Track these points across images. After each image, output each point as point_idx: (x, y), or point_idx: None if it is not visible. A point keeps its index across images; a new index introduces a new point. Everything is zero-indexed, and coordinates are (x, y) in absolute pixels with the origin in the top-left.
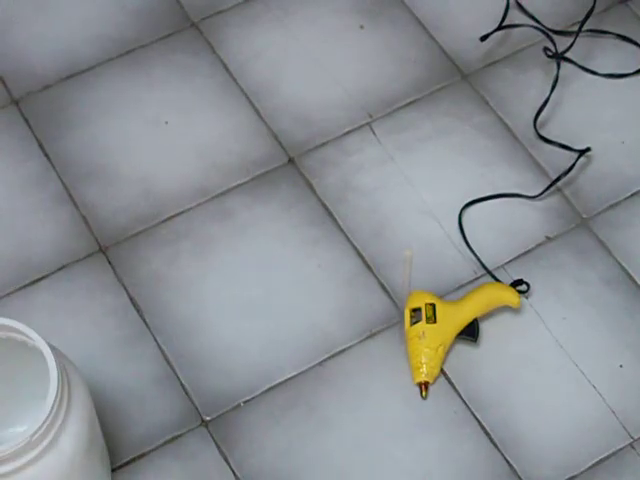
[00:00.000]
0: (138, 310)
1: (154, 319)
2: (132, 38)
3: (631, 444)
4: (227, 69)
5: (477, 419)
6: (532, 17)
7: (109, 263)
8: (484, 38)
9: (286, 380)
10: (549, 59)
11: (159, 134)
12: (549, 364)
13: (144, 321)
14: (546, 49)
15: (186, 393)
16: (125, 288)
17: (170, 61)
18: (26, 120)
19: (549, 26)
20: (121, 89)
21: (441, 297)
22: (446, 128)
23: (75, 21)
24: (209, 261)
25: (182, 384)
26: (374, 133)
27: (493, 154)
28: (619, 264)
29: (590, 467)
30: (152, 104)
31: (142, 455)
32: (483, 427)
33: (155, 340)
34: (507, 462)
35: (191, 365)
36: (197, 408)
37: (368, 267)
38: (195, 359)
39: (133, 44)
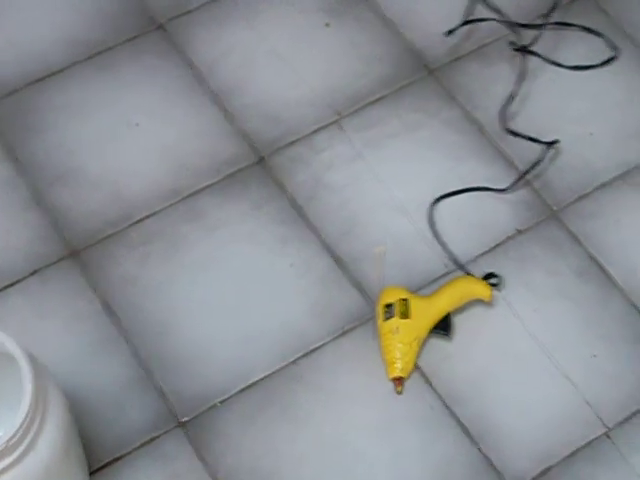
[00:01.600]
0: (111, 313)
1: (127, 322)
2: (99, 41)
3: (606, 433)
4: (195, 69)
5: (453, 413)
6: (497, 11)
7: (81, 267)
8: (449, 33)
9: (261, 379)
10: (515, 53)
11: (129, 136)
12: (523, 356)
13: (117, 324)
14: (512, 43)
15: (162, 395)
16: (97, 291)
17: (138, 63)
18: None
19: (514, 20)
20: (89, 92)
21: (414, 292)
22: (414, 124)
23: (41, 25)
24: (181, 262)
25: (157, 386)
26: (343, 130)
27: (462, 148)
28: (590, 255)
29: (566, 457)
30: (121, 106)
31: (119, 458)
32: (459, 421)
33: (129, 343)
34: (484, 455)
35: (166, 367)
36: (173, 409)
37: (340, 264)
38: (170, 361)
39: (100, 47)
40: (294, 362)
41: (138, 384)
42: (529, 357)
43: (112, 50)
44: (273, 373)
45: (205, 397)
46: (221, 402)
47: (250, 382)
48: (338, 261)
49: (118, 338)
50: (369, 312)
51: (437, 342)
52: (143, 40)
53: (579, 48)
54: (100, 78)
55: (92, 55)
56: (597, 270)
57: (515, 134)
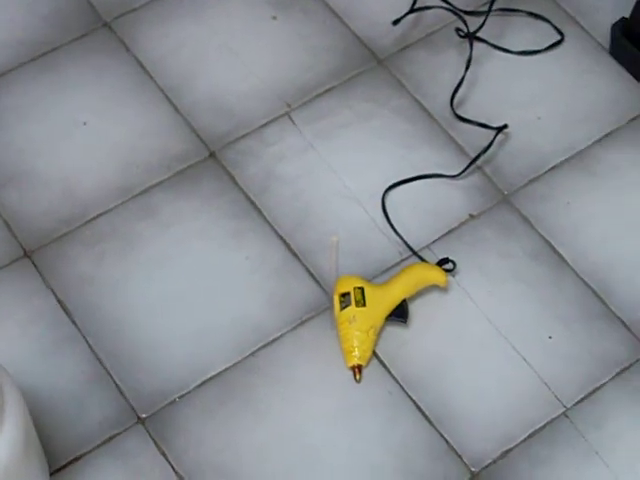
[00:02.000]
0: (67, 312)
1: (83, 320)
2: (44, 41)
3: (564, 413)
4: (143, 67)
5: (412, 399)
6: None
7: (35, 267)
8: (396, 22)
9: (219, 373)
10: (462, 39)
11: (78, 135)
12: (479, 340)
13: (73, 323)
14: (458, 30)
15: (120, 392)
16: (52, 291)
17: (84, 62)
18: None
19: (460, 7)
20: (36, 92)
21: (369, 280)
22: (365, 113)
23: None
24: (135, 259)
25: (116, 383)
26: (293, 122)
27: (412, 136)
28: (542, 237)
29: (526, 438)
30: (69, 106)
31: (80, 457)
32: (418, 406)
33: (86, 341)
34: (444, 439)
35: (124, 364)
36: (132, 406)
37: (295, 256)
38: (127, 358)
39: (45, 47)
40: (252, 354)
41: (97, 382)
42: (486, 340)
43: (58, 50)
44: (231, 366)
45: (164, 393)
46: (180, 397)
47: (208, 376)
48: (293, 252)
49: (75, 337)
50: (326, 301)
51: (394, 329)
52: (89, 39)
53: (525, 33)
54: (46, 78)
55: (37, 56)
56: (549, 252)
57: (464, 120)
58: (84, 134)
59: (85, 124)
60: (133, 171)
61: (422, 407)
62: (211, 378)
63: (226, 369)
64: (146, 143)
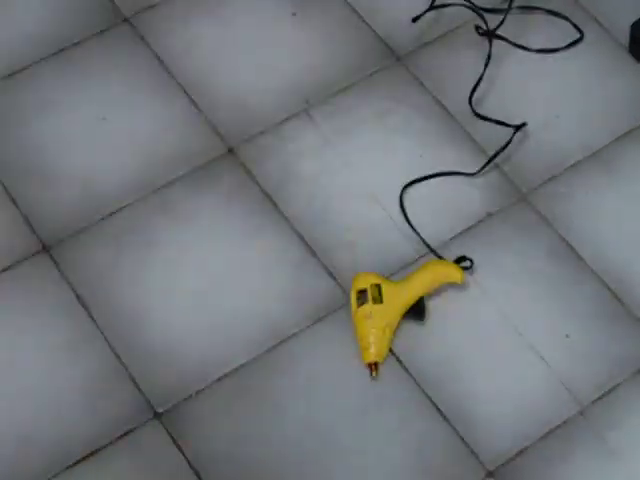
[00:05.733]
0: (85, 307)
1: (101, 315)
2: (64, 36)
3: (581, 412)
4: (162, 63)
5: (428, 396)
6: None
7: (53, 262)
8: (416, 19)
9: (236, 368)
10: (481, 37)
11: (97, 131)
12: (496, 338)
13: (91, 317)
14: (477, 27)
15: (137, 387)
16: (71, 286)
17: (104, 57)
18: None
19: (480, 4)
20: (56, 88)
21: (386, 277)
22: (383, 111)
23: (6, 21)
24: (153, 255)
25: (132, 378)
26: (312, 119)
27: (431, 134)
28: (560, 236)
29: (542, 437)
30: (88, 101)
31: (96, 451)
32: (434, 404)
33: (103, 336)
34: (460, 438)
35: (141, 359)
36: (149, 401)
37: (313, 252)
38: (144, 353)
39: (66, 42)
40: (269, 350)
41: (113, 377)
42: (502, 339)
43: (77, 45)
44: (248, 362)
45: (181, 388)
46: (197, 392)
47: (225, 372)
48: (310, 249)
49: (93, 331)
50: (343, 298)
51: (411, 326)
52: (109, 35)
53: (544, 31)
54: (66, 73)
55: (58, 51)
56: (568, 251)
57: (483, 118)
58: (104, 129)
59: (104, 119)
60: (152, 166)
61: (438, 405)
62: (228, 373)
63: (243, 365)
64: (165, 139)
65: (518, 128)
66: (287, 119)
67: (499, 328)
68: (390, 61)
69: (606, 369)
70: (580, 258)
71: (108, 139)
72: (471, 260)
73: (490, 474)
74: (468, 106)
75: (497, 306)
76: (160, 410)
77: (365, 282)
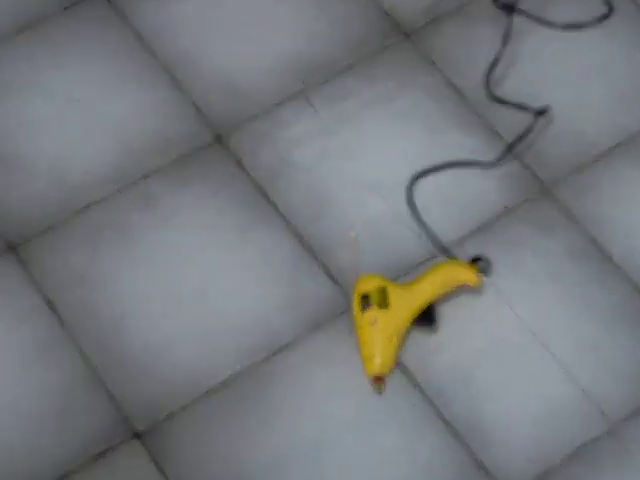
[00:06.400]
0: (55, 313)
1: (73, 322)
2: (32, 11)
3: (610, 429)
4: (141, 39)
5: (439, 411)
6: None
7: (20, 263)
8: None
9: (225, 381)
10: (499, 11)
11: (70, 113)
12: (515, 347)
13: (62, 324)
14: (495, 0)
15: (114, 402)
16: (40, 289)
17: (77, 34)
18: None
19: None
20: (24, 67)
21: (393, 280)
22: (389, 93)
23: None
24: (132, 254)
25: (109, 392)
26: (310, 102)
27: (442, 119)
28: (586, 233)
29: (566, 457)
30: (59, 81)
31: (68, 474)
32: (446, 420)
33: (76, 345)
34: (474, 457)
35: (118, 371)
36: (127, 418)
37: (310, 251)
38: (123, 364)
39: (34, 17)
40: (262, 361)
41: (87, 391)
42: (522, 348)
43: (47, 21)
44: (239, 374)
45: (164, 403)
46: (182, 408)
47: (214, 384)
48: (308, 247)
49: (64, 339)
50: (344, 303)
51: (420, 335)
52: (82, 9)
53: (570, 5)
54: (34, 52)
55: (24, 26)
56: (594, 249)
57: (501, 101)
58: (77, 112)
59: (79, 101)
60: (130, 155)
61: (450, 421)
62: (215, 387)
63: (232, 377)
64: (146, 123)
65: (540, 113)
66: (282, 102)
67: (518, 336)
68: (397, 38)
69: (636, 380)
70: (608, 257)
71: (82, 123)
72: (488, 260)
73: None
74: (484, 88)
75: (516, 312)
76: (140, 428)
77: (369, 285)
